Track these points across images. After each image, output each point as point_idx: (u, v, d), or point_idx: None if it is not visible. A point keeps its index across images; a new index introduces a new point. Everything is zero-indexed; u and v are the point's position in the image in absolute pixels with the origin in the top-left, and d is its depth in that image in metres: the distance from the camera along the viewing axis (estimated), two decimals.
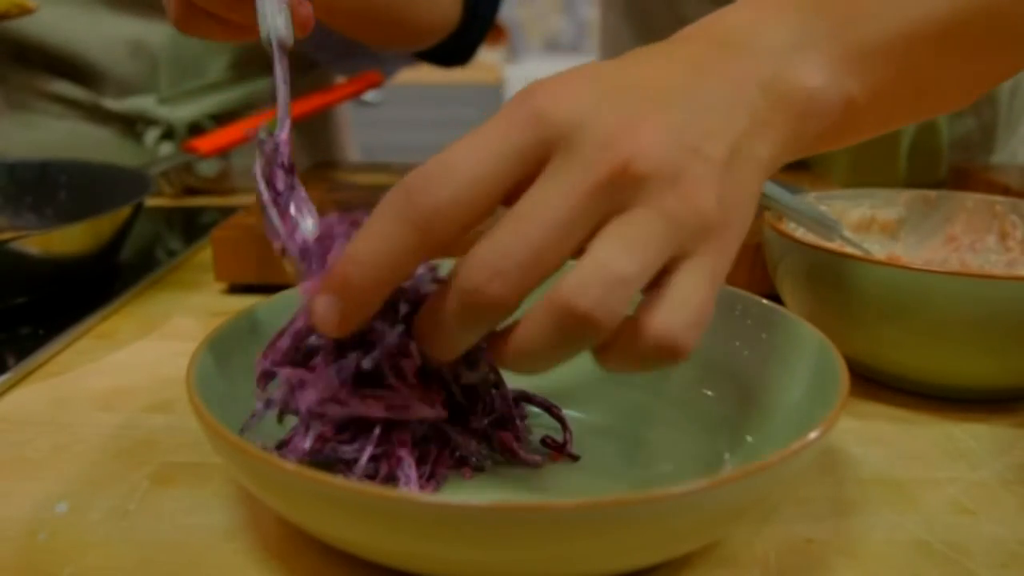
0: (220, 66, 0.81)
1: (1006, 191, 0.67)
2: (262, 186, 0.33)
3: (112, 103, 0.79)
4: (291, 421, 0.33)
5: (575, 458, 0.36)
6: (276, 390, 0.32)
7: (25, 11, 0.57)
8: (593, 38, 3.14)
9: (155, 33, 0.78)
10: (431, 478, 0.33)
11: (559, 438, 0.36)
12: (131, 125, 0.81)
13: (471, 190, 0.27)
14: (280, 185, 0.33)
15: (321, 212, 0.34)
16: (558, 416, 0.37)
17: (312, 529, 0.28)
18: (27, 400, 0.43)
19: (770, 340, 0.37)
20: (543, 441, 0.36)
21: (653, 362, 0.27)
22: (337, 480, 0.25)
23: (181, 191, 0.82)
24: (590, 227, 0.27)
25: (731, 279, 0.48)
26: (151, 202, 0.69)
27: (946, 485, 0.35)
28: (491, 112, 0.28)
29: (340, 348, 0.31)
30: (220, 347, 0.34)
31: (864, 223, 0.53)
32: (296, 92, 0.36)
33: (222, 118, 0.81)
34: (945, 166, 0.74)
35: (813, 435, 0.27)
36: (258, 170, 0.33)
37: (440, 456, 0.34)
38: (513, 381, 0.37)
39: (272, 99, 0.36)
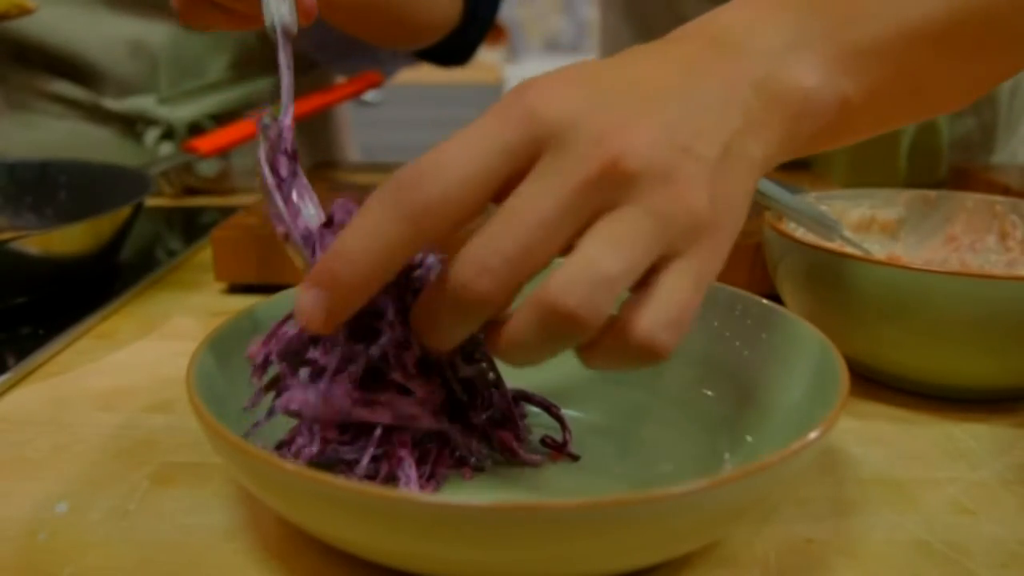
0: (220, 66, 0.81)
1: (1006, 191, 0.67)
2: (266, 171, 0.33)
3: (112, 103, 0.79)
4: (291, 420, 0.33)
5: (575, 458, 0.36)
6: (279, 399, 0.33)
7: (25, 11, 0.57)
8: (593, 38, 3.14)
9: (155, 33, 0.78)
10: (431, 478, 0.33)
11: (559, 438, 0.36)
12: (131, 125, 0.81)
13: (462, 186, 0.27)
14: (283, 171, 0.33)
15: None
16: (557, 416, 0.37)
17: (312, 529, 0.28)
18: (27, 400, 0.43)
19: (770, 340, 0.37)
20: (543, 441, 0.36)
21: (635, 362, 0.27)
22: (337, 480, 0.25)
23: (181, 191, 0.82)
24: (579, 224, 0.27)
25: (731, 279, 0.48)
26: (151, 202, 0.69)
27: (946, 485, 0.35)
28: None
29: (350, 336, 0.31)
30: (220, 347, 0.34)
31: (864, 223, 0.53)
32: (296, 92, 0.36)
33: (222, 118, 0.81)
34: (945, 166, 0.74)
35: (813, 435, 0.27)
36: (262, 155, 0.33)
37: (440, 456, 0.34)
38: (513, 380, 0.37)
39: (271, 98, 0.36)
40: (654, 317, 0.27)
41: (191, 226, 0.72)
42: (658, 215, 0.27)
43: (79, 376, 0.45)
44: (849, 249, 0.45)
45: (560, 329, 0.26)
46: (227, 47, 0.81)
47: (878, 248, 0.52)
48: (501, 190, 0.28)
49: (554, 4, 3.30)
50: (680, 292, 0.27)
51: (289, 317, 0.33)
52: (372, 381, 0.32)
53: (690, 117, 0.28)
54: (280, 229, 0.33)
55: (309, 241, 0.32)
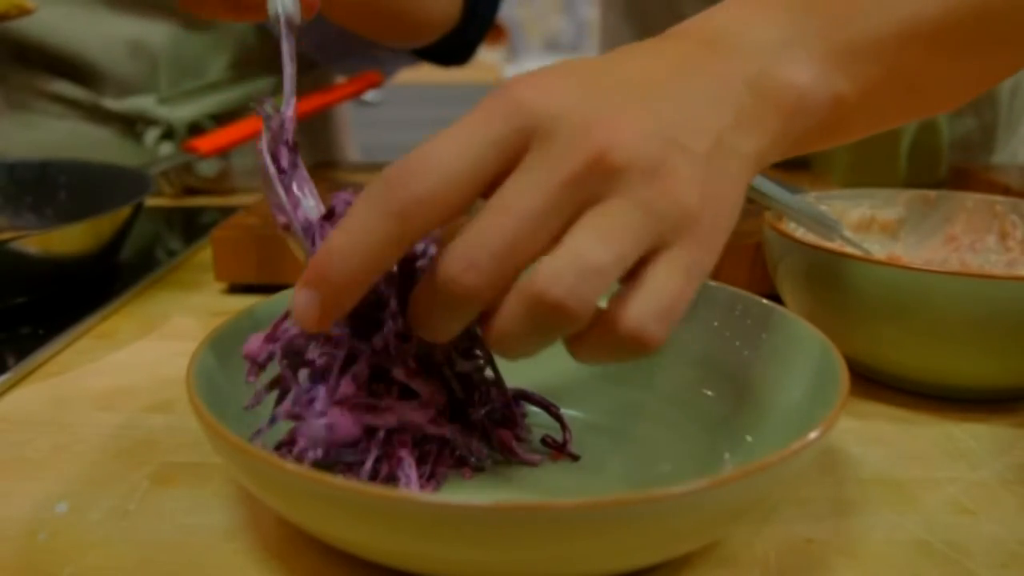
0: (220, 66, 0.81)
1: (1006, 191, 0.67)
2: (268, 160, 0.33)
3: (112, 103, 0.79)
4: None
5: (575, 458, 0.36)
6: (283, 404, 0.33)
7: (24, 12, 0.57)
8: (593, 38, 3.14)
9: (155, 33, 0.78)
10: (431, 478, 0.33)
11: (559, 437, 0.36)
12: (131, 125, 0.81)
13: (449, 182, 0.27)
14: (284, 162, 0.33)
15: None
16: (556, 415, 0.37)
17: (312, 529, 0.28)
18: (27, 400, 0.43)
19: (770, 340, 0.37)
20: (543, 440, 0.36)
21: (623, 353, 0.27)
22: (337, 480, 0.25)
23: (181, 191, 0.82)
24: (566, 218, 0.27)
25: (731, 279, 0.48)
26: (151, 202, 0.69)
27: (946, 485, 0.35)
28: None
29: (352, 330, 0.31)
30: (220, 347, 0.34)
31: (864, 223, 0.53)
32: (296, 91, 0.36)
33: (222, 118, 0.81)
34: (945, 166, 0.74)
35: (813, 435, 0.27)
36: (264, 145, 0.33)
37: (440, 456, 0.34)
38: (513, 380, 0.37)
39: (274, 93, 0.36)
40: (643, 308, 0.26)
41: (191, 226, 0.72)
42: (646, 207, 0.27)
43: (79, 376, 0.45)
44: (849, 249, 0.45)
45: (547, 319, 0.26)
46: (227, 47, 0.81)
47: (878, 248, 0.52)
48: (491, 185, 0.28)
49: (554, 4, 3.30)
50: (670, 283, 0.27)
51: (288, 314, 0.33)
52: (375, 380, 0.32)
53: (680, 112, 0.28)
54: (281, 219, 0.33)
55: (309, 232, 0.33)
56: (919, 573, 0.30)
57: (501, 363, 0.36)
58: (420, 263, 0.32)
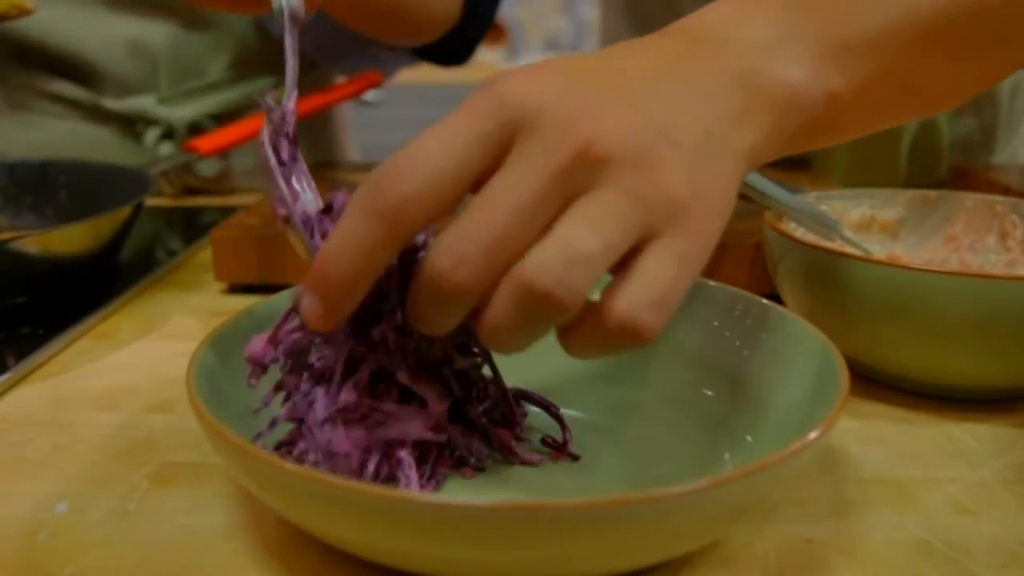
0: (220, 66, 0.81)
1: (1006, 191, 0.67)
2: (269, 152, 0.33)
3: (112, 103, 0.79)
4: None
5: (575, 458, 0.36)
6: (284, 406, 0.33)
7: (23, 12, 0.57)
8: (593, 38, 3.14)
9: (155, 33, 0.78)
10: (431, 478, 0.33)
11: (559, 438, 0.36)
12: (131, 125, 0.81)
13: (436, 180, 0.27)
14: (284, 155, 0.33)
15: None
16: (556, 415, 0.37)
17: (312, 529, 0.28)
18: (27, 400, 0.43)
19: (770, 340, 0.37)
20: (543, 441, 0.36)
21: (616, 345, 0.27)
22: (337, 480, 0.25)
23: (181, 191, 0.82)
24: (554, 210, 0.27)
25: (731, 279, 0.48)
26: (151, 202, 0.68)
27: (946, 485, 0.35)
28: None
29: (355, 319, 0.32)
30: (220, 347, 0.34)
31: (864, 223, 0.53)
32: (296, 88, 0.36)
33: (222, 118, 0.81)
34: (945, 166, 0.74)
35: (813, 435, 0.27)
36: (265, 137, 0.33)
37: (440, 456, 0.34)
38: (513, 380, 0.37)
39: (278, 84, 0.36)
40: (634, 297, 0.26)
41: (191, 226, 0.72)
42: (633, 195, 0.26)
43: (79, 376, 0.45)
44: (849, 249, 0.45)
45: (537, 310, 0.26)
46: (227, 47, 0.81)
47: (878, 248, 0.52)
48: (478, 181, 0.28)
49: (554, 4, 3.30)
50: (661, 272, 0.27)
51: (290, 314, 0.33)
52: (378, 382, 0.32)
53: (667, 106, 0.28)
54: (281, 211, 0.33)
55: (308, 225, 0.33)
56: (919, 573, 0.30)
57: (505, 364, 0.36)
58: (421, 255, 0.32)
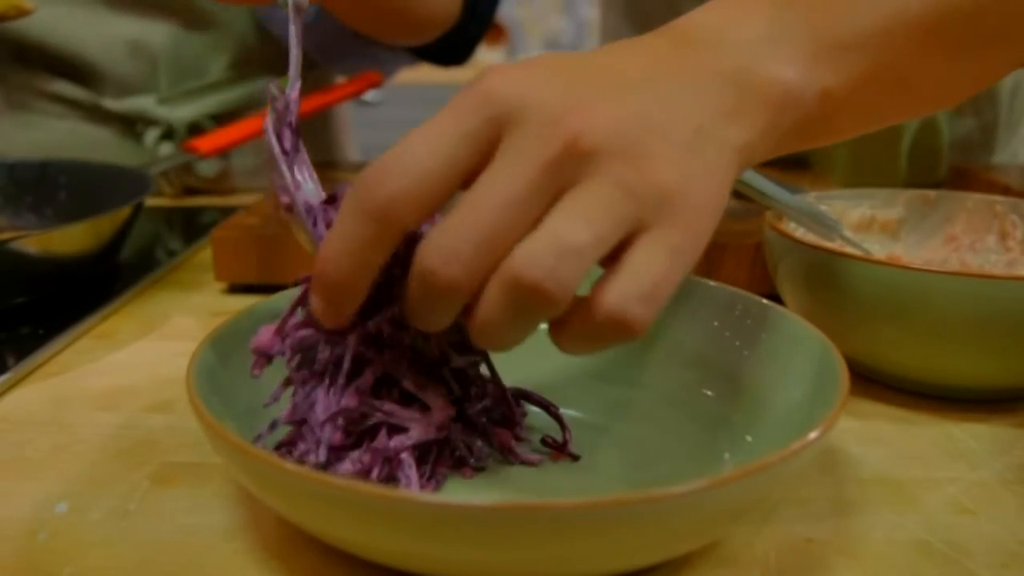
0: (220, 66, 0.81)
1: (1006, 191, 0.67)
2: (273, 140, 0.33)
3: (112, 103, 0.79)
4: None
5: (575, 458, 0.36)
6: (285, 409, 0.33)
7: (23, 12, 0.57)
8: (593, 38, 3.14)
9: (155, 33, 0.78)
10: (431, 478, 0.33)
11: (558, 437, 0.36)
12: (131, 125, 0.81)
13: (423, 178, 0.27)
14: (287, 144, 0.33)
15: None
16: (556, 415, 0.37)
17: (312, 529, 0.28)
18: (27, 400, 0.43)
19: (770, 340, 0.37)
20: (543, 441, 0.36)
21: (607, 339, 0.27)
22: (337, 480, 0.25)
23: (181, 191, 0.82)
24: (544, 204, 0.27)
25: (731, 279, 0.48)
26: (151, 202, 0.69)
27: (946, 485, 0.35)
28: None
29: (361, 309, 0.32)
30: (220, 347, 0.34)
31: (864, 223, 0.53)
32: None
33: (222, 118, 0.81)
34: (945, 166, 0.74)
35: (813, 435, 0.27)
36: (269, 125, 0.33)
37: (440, 456, 0.34)
38: (512, 380, 0.37)
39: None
40: (624, 290, 0.26)
41: (191, 226, 0.72)
42: (622, 187, 0.26)
43: (79, 376, 0.45)
44: (849, 249, 0.46)
45: (527, 303, 0.26)
46: (227, 47, 0.81)
47: (878, 248, 0.52)
48: (468, 178, 0.28)
49: (554, 4, 3.30)
50: (652, 265, 0.26)
51: (296, 307, 0.33)
52: (382, 386, 0.32)
53: (658, 101, 0.28)
54: (284, 200, 0.33)
55: (311, 213, 0.33)
56: (919, 573, 0.30)
57: (504, 364, 0.36)
58: None
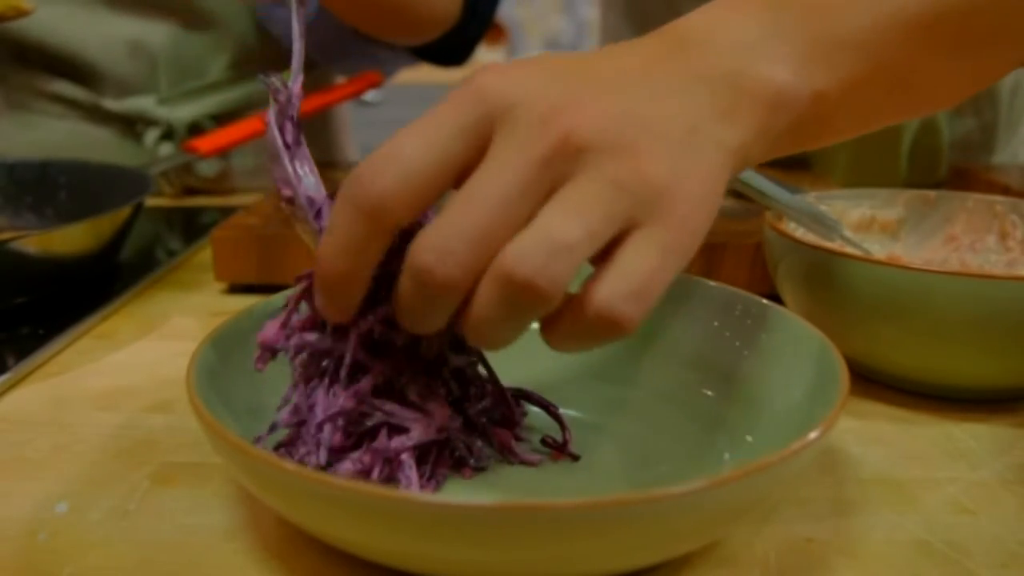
0: (220, 66, 0.81)
1: (1006, 191, 0.67)
2: (275, 133, 0.33)
3: (112, 103, 0.79)
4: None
5: (575, 458, 0.36)
6: (283, 412, 0.33)
7: (22, 13, 0.57)
8: (593, 38, 3.14)
9: (155, 33, 0.78)
10: (431, 478, 0.33)
11: (558, 438, 0.36)
12: (131, 125, 0.81)
13: (414, 174, 0.27)
14: (289, 138, 0.33)
15: None
16: (556, 415, 0.37)
17: (312, 529, 0.28)
18: (27, 400, 0.43)
19: (770, 340, 0.37)
20: (543, 441, 0.36)
21: (597, 337, 0.27)
22: (337, 480, 0.25)
23: (181, 191, 0.82)
24: (537, 201, 0.27)
25: (731, 279, 0.48)
26: (151, 202, 0.69)
27: (946, 485, 0.35)
28: None
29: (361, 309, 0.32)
30: (220, 347, 0.34)
31: (864, 223, 0.53)
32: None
33: (222, 118, 0.81)
34: (945, 166, 0.74)
35: (813, 435, 0.27)
36: (271, 117, 0.33)
37: (440, 457, 0.34)
38: (512, 380, 0.37)
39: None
40: (613, 287, 0.26)
41: (191, 226, 0.72)
42: (614, 183, 0.26)
43: (79, 376, 0.45)
44: (849, 249, 0.46)
45: (519, 300, 0.26)
46: (227, 47, 0.81)
47: (878, 248, 0.52)
48: (460, 176, 0.27)
49: (554, 4, 3.30)
50: (642, 262, 0.26)
51: (299, 302, 0.33)
52: (383, 390, 0.32)
53: (651, 100, 0.28)
54: (286, 192, 0.33)
55: (313, 207, 0.33)
56: (919, 573, 0.30)
57: (503, 364, 0.36)
58: None
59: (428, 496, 0.30)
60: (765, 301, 0.38)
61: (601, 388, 0.40)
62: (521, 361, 0.36)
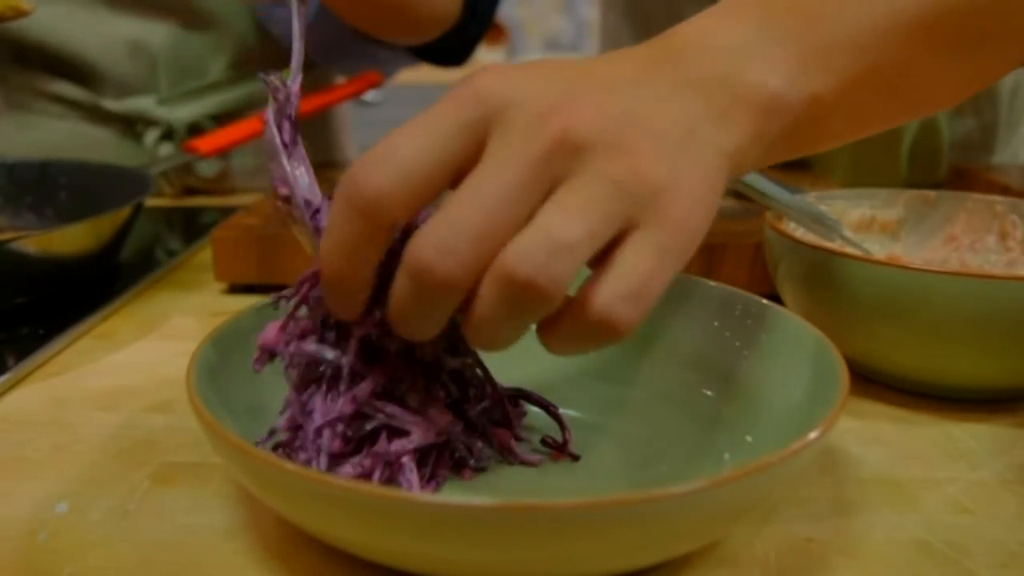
0: (220, 66, 0.81)
1: (1006, 191, 0.67)
2: (274, 131, 0.33)
3: (112, 103, 0.79)
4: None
5: (575, 458, 0.36)
6: (282, 417, 0.33)
7: (21, 13, 0.57)
8: (593, 38, 3.14)
9: (155, 33, 0.78)
10: (431, 479, 0.33)
11: (558, 438, 0.36)
12: (131, 125, 0.81)
13: (410, 172, 0.27)
14: (286, 137, 0.33)
15: None
16: (555, 415, 0.37)
17: (312, 529, 0.28)
18: (27, 400, 0.43)
19: (770, 340, 0.37)
20: (543, 441, 0.36)
21: (595, 339, 0.27)
22: (337, 480, 0.25)
23: (181, 191, 0.82)
24: (536, 200, 0.26)
25: (731, 279, 0.48)
26: (151, 202, 0.69)
27: (946, 485, 0.35)
28: None
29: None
30: (220, 346, 0.34)
31: (864, 223, 0.53)
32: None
33: (222, 118, 0.81)
34: (945, 166, 0.74)
35: (813, 435, 0.27)
36: (270, 115, 0.33)
37: (440, 458, 0.34)
38: (511, 380, 0.37)
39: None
40: (611, 289, 0.26)
41: (191, 226, 0.72)
42: (613, 181, 0.26)
43: (79, 376, 0.45)
44: (849, 249, 0.46)
45: (520, 300, 0.26)
46: (227, 47, 0.81)
47: (878, 248, 0.52)
48: (456, 177, 0.27)
49: (554, 4, 3.30)
50: (639, 263, 0.26)
51: (299, 306, 0.33)
52: (383, 395, 0.32)
53: (648, 103, 0.28)
54: (283, 191, 0.33)
55: (309, 207, 0.33)
56: (919, 573, 0.30)
57: (503, 364, 0.36)
58: None
59: (428, 496, 0.30)
60: (765, 301, 0.38)
61: (601, 388, 0.40)
62: (521, 361, 0.36)
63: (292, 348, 0.32)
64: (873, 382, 0.44)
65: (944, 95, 0.37)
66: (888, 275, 0.39)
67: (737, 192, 0.52)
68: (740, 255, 0.52)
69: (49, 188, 0.65)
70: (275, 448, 0.33)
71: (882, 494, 0.35)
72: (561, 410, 0.37)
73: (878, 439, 0.39)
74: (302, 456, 0.32)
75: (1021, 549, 0.31)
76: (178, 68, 0.80)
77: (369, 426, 0.32)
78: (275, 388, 0.34)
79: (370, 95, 2.22)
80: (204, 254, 0.65)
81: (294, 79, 0.34)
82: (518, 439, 0.36)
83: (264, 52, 0.82)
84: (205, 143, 0.73)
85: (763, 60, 0.31)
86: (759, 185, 0.44)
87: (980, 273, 0.40)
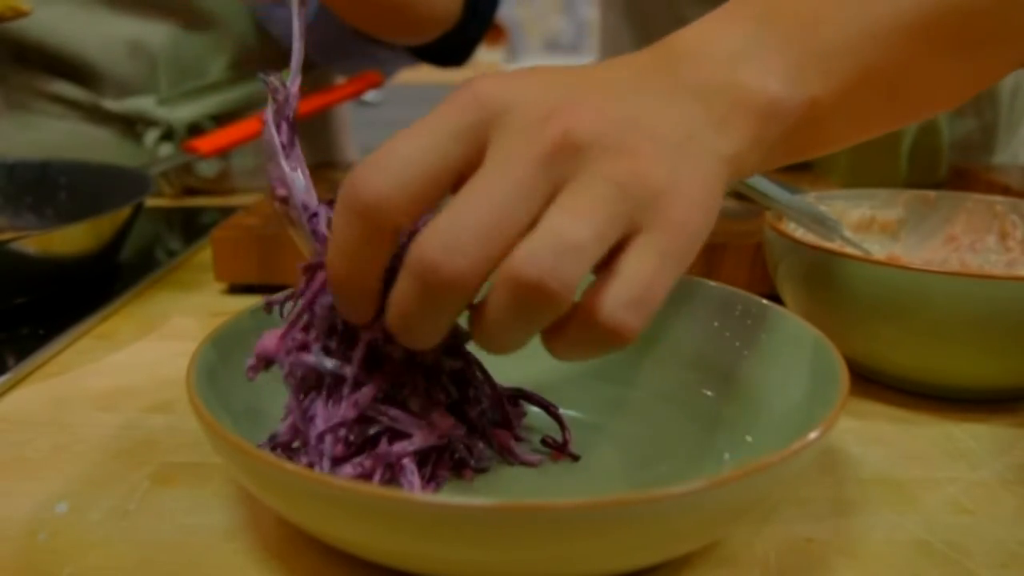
0: (220, 66, 0.81)
1: (1006, 191, 0.67)
2: (273, 131, 0.33)
3: (112, 104, 0.79)
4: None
5: (576, 458, 0.36)
6: (283, 424, 0.33)
7: (20, 14, 0.57)
8: (593, 38, 3.14)
9: (155, 33, 0.78)
10: (431, 480, 0.33)
11: (558, 438, 0.36)
12: (131, 125, 0.81)
13: (410, 176, 0.27)
14: (284, 138, 0.33)
15: None
16: (555, 415, 0.37)
17: (312, 529, 0.28)
18: (27, 400, 0.43)
19: (770, 340, 0.37)
20: (543, 441, 0.36)
21: (599, 345, 0.27)
22: (337, 480, 0.25)
23: (181, 191, 0.82)
24: (539, 202, 0.26)
25: (731, 279, 0.48)
26: (151, 202, 0.69)
27: (946, 485, 0.35)
28: None
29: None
30: (220, 347, 0.34)
31: (864, 223, 0.53)
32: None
33: (222, 118, 0.81)
34: (945, 166, 0.74)
35: (813, 435, 0.27)
36: (269, 116, 0.33)
37: (440, 459, 0.34)
38: (511, 381, 0.37)
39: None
40: (616, 296, 0.26)
41: (191, 226, 0.72)
42: (615, 183, 0.26)
43: (79, 376, 0.45)
44: (849, 249, 0.46)
45: (529, 303, 0.26)
46: (227, 47, 0.81)
47: (878, 248, 0.52)
48: (457, 182, 0.27)
49: (554, 4, 3.30)
50: (643, 268, 0.26)
51: (300, 315, 0.33)
52: (385, 399, 0.32)
53: (647, 108, 0.28)
54: (280, 192, 0.33)
55: (307, 208, 0.33)
56: (919, 573, 0.30)
57: (503, 365, 0.36)
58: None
59: (428, 496, 0.30)
60: (765, 301, 0.38)
61: (601, 388, 0.40)
62: (521, 361, 0.35)
63: (291, 358, 0.32)
64: (873, 382, 0.44)
65: (944, 97, 0.37)
66: (888, 275, 0.39)
67: (737, 192, 0.52)
68: (740, 255, 0.52)
69: (49, 188, 0.65)
70: (274, 448, 0.33)
71: (882, 494, 0.35)
72: (561, 410, 0.37)
73: (878, 439, 0.39)
74: (304, 460, 0.32)
75: (1021, 549, 0.31)
76: (178, 68, 0.80)
77: (372, 430, 0.32)
78: (275, 388, 0.34)
79: (370, 95, 2.22)
80: (204, 254, 0.65)
81: (293, 80, 0.34)
82: (518, 439, 0.36)
83: (264, 52, 0.82)
84: (205, 143, 0.74)
85: (761, 65, 0.31)
86: (759, 185, 0.44)
87: (980, 273, 0.40)
